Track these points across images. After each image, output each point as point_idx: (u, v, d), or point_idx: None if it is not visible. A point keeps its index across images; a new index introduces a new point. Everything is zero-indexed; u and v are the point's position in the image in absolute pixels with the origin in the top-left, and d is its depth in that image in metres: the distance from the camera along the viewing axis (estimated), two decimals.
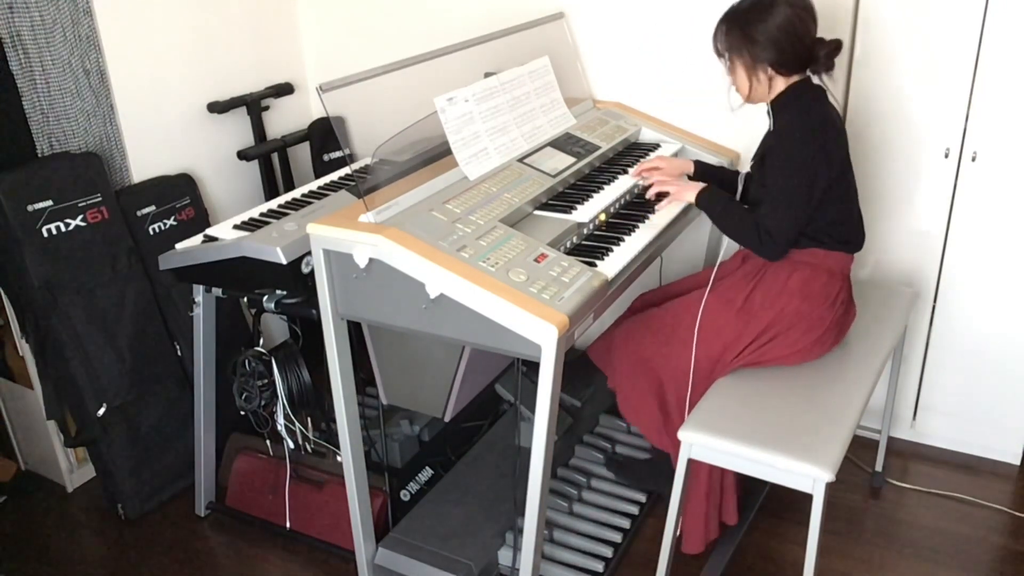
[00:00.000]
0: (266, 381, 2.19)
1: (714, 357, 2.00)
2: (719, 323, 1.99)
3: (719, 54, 1.95)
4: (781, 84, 1.92)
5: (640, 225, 2.09)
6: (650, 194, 2.13)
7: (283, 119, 3.14)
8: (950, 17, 2.24)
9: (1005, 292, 2.42)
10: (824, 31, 2.38)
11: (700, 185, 2.04)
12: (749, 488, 2.34)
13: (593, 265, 1.86)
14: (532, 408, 1.71)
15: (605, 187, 2.22)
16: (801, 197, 1.86)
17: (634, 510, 2.36)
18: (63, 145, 2.42)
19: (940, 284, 2.50)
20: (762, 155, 1.96)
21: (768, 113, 1.97)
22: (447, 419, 2.21)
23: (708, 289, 2.05)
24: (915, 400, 2.66)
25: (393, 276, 1.75)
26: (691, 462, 1.83)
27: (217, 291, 2.24)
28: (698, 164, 2.29)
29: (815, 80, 1.95)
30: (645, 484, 2.41)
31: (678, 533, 2.14)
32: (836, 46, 1.90)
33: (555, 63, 2.49)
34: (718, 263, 2.11)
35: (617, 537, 2.27)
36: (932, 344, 2.57)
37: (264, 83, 3.04)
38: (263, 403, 2.20)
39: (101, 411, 2.38)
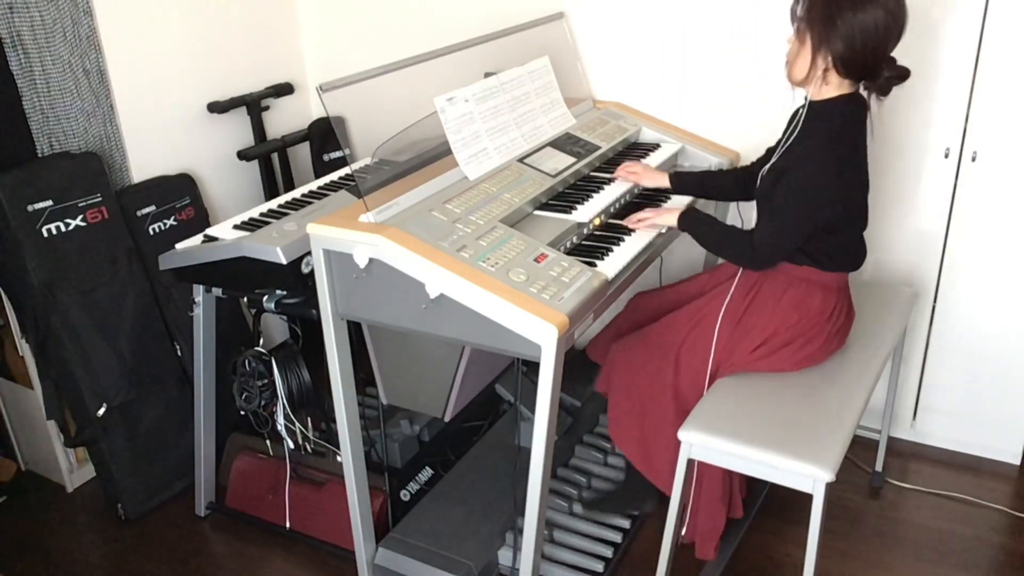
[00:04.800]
0: (266, 381, 2.19)
1: (712, 367, 2.00)
2: (711, 337, 1.98)
3: (793, 19, 1.81)
4: (833, 86, 1.82)
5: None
6: (631, 223, 2.09)
7: (283, 119, 3.14)
8: (950, 17, 2.24)
9: (1005, 292, 2.42)
10: None
11: (679, 208, 2.03)
12: (749, 488, 2.34)
13: (593, 265, 1.87)
14: (532, 408, 1.71)
15: (605, 187, 2.22)
16: (802, 225, 1.83)
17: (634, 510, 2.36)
18: (63, 145, 2.42)
19: (940, 284, 2.50)
20: (783, 169, 1.86)
21: (802, 108, 1.87)
22: (447, 419, 2.21)
23: (726, 302, 2.02)
24: (915, 400, 2.66)
25: (393, 276, 1.75)
26: (699, 466, 1.82)
27: (217, 291, 2.24)
28: (674, 176, 2.24)
29: (864, 95, 1.85)
30: (627, 508, 2.34)
31: (690, 541, 2.14)
32: (902, 73, 1.78)
33: (555, 63, 2.49)
34: (731, 274, 2.08)
35: (617, 537, 2.27)
36: (932, 344, 2.57)
37: (264, 83, 3.04)
38: (263, 403, 2.20)
39: (101, 411, 2.38)
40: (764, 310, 1.96)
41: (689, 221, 2.00)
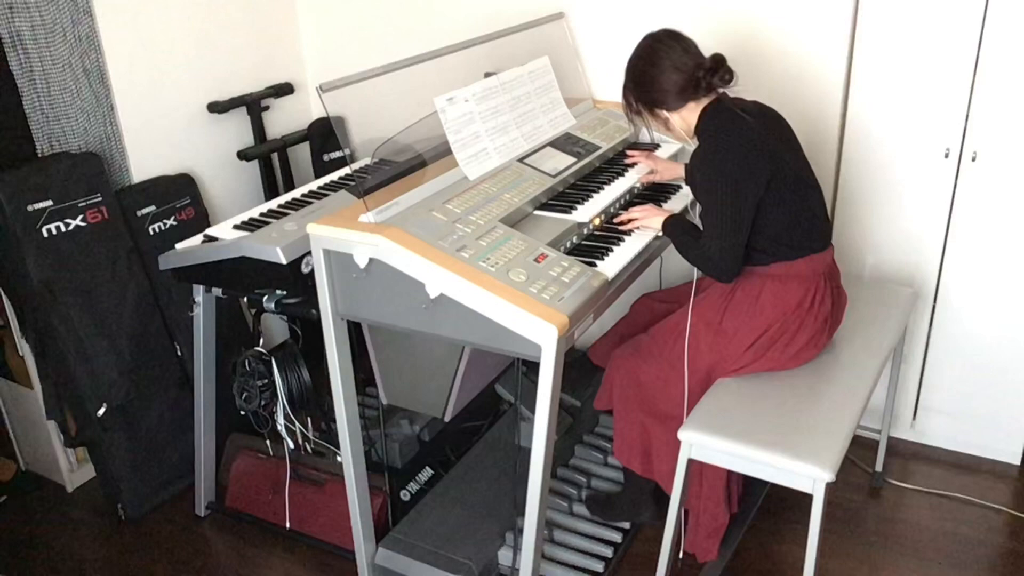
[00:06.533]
0: (266, 381, 2.19)
1: (702, 373, 1.99)
2: (701, 344, 1.98)
3: (632, 117, 2.03)
4: (688, 111, 1.93)
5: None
6: (621, 219, 2.11)
7: (283, 119, 3.14)
8: (950, 17, 2.24)
9: (1005, 292, 2.42)
10: (823, 33, 2.40)
11: (668, 213, 2.03)
12: (749, 488, 2.34)
13: (593, 265, 1.87)
14: (532, 408, 1.71)
15: (605, 187, 2.22)
16: (732, 217, 1.83)
17: None
18: (63, 145, 2.42)
19: (940, 284, 2.50)
20: (693, 187, 1.98)
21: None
22: (447, 419, 2.21)
23: (690, 308, 2.02)
24: (915, 400, 2.66)
25: (393, 276, 1.75)
26: (700, 468, 1.82)
27: (217, 291, 2.24)
28: (688, 166, 2.28)
29: (731, 95, 1.95)
30: (625, 517, 2.32)
31: (691, 551, 2.14)
32: (716, 64, 1.89)
33: (555, 63, 2.49)
34: (695, 278, 2.08)
35: (617, 537, 2.27)
36: (932, 344, 2.57)
37: (264, 83, 3.04)
38: (263, 403, 2.20)
39: (101, 411, 2.38)
40: (743, 312, 1.95)
41: (670, 229, 2.00)
